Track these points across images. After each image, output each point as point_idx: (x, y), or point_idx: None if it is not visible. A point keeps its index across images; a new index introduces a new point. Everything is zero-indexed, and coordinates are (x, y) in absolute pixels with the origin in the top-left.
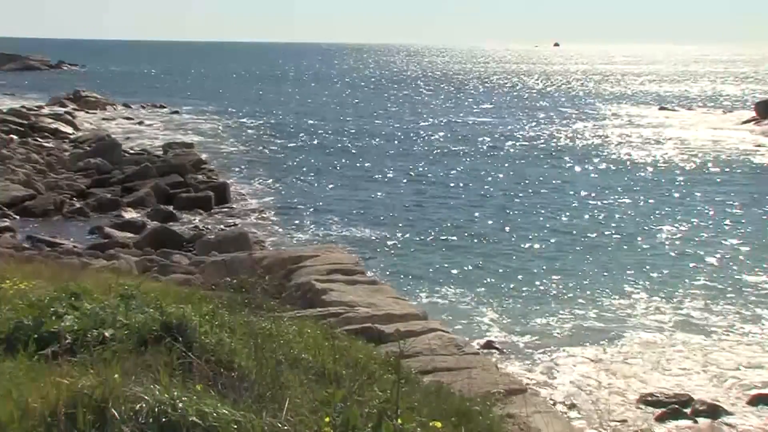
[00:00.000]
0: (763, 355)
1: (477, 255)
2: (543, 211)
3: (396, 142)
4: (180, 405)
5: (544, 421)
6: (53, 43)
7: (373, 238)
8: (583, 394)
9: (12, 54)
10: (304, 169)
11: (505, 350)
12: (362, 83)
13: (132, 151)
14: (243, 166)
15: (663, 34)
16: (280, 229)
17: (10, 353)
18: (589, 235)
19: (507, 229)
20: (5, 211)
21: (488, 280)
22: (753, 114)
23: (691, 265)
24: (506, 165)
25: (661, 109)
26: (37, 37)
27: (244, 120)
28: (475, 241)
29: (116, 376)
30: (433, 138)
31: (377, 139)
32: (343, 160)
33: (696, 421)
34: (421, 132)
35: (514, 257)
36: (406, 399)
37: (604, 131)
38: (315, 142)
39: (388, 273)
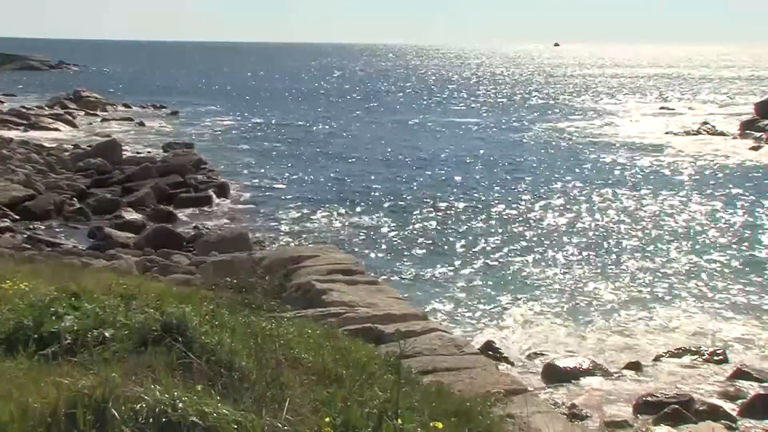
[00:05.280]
0: (763, 357)
1: (477, 255)
2: (545, 213)
3: (395, 143)
4: (180, 405)
5: (545, 421)
6: (53, 43)
7: (374, 238)
8: (583, 394)
9: (12, 54)
10: (305, 169)
11: (505, 350)
12: (359, 84)
13: (132, 151)
14: (243, 166)
15: (665, 35)
16: (280, 229)
17: (10, 353)
18: (590, 235)
19: (508, 229)
20: (5, 211)
21: (489, 280)
22: (753, 114)
23: (697, 267)
24: (506, 164)
25: (662, 108)
26: (37, 37)
27: (245, 120)
28: (476, 241)
29: (116, 376)
30: (430, 140)
31: (378, 141)
32: (344, 161)
33: (696, 423)
34: (420, 133)
35: (515, 258)
36: (406, 399)
37: (598, 130)
38: (316, 142)
39: (388, 273)
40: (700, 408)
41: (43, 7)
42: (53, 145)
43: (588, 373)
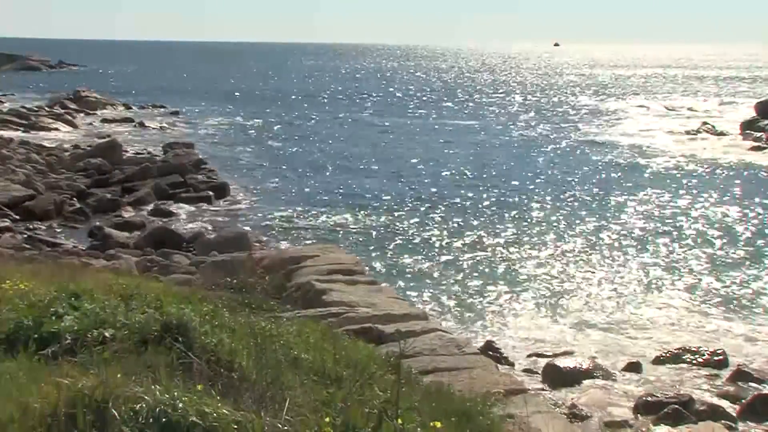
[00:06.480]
0: (763, 357)
1: (477, 255)
2: (546, 213)
3: (396, 143)
4: (180, 405)
5: (545, 421)
6: (54, 43)
7: (373, 237)
8: (583, 394)
9: (12, 54)
10: (305, 169)
11: (505, 350)
12: (357, 84)
13: (132, 151)
14: (243, 166)
15: (665, 34)
16: (280, 229)
17: (11, 353)
18: (591, 236)
19: (508, 229)
20: (5, 211)
21: (489, 280)
22: (753, 114)
23: (697, 267)
24: (506, 164)
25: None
26: (37, 37)
27: (245, 120)
28: (476, 241)
29: (116, 376)
30: (431, 141)
31: (378, 141)
32: (345, 162)
33: (696, 423)
34: (422, 134)
35: (516, 258)
36: (406, 399)
37: (597, 130)
38: (317, 142)
39: (388, 273)
40: (700, 408)
41: (45, 7)
42: (53, 145)
43: (588, 373)
